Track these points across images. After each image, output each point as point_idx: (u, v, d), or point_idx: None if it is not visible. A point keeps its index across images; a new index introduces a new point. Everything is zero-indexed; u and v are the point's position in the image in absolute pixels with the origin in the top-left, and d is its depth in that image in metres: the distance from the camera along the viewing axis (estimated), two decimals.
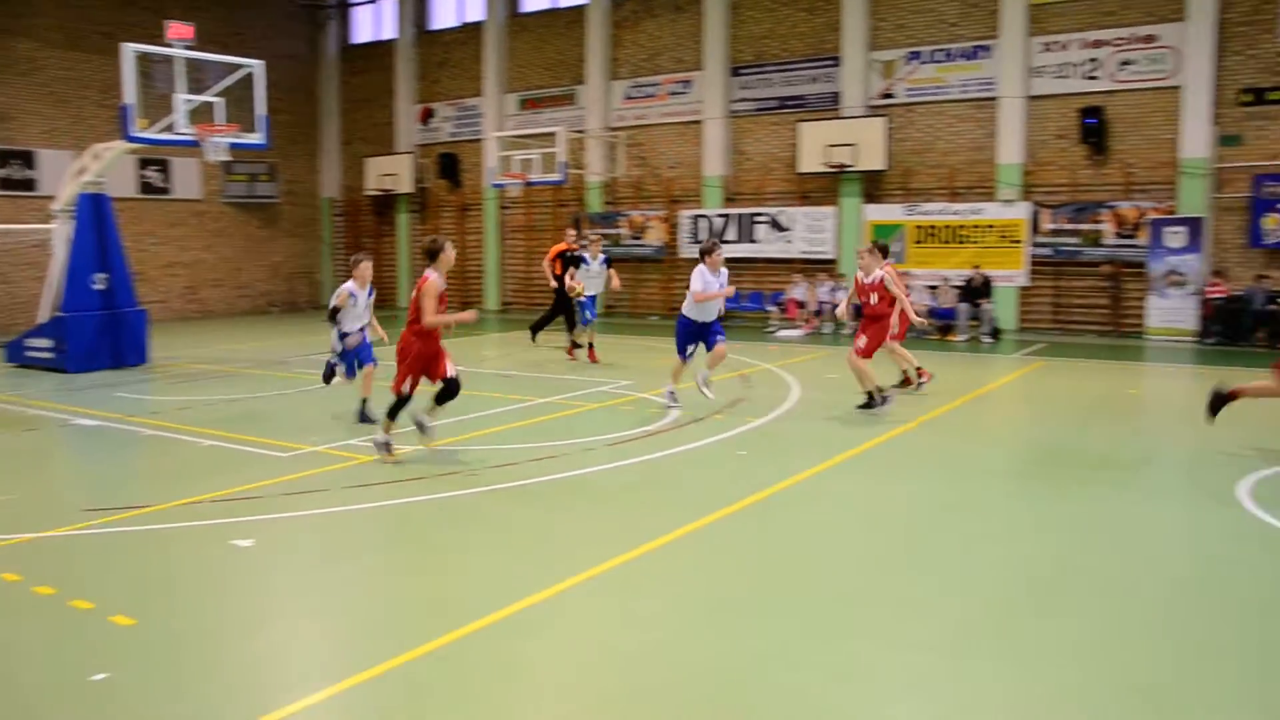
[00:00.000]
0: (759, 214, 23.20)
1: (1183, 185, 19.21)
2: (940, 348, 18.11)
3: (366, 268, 9.98)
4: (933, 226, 21.29)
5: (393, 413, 8.27)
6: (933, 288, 20.57)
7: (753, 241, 23.15)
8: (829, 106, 22.53)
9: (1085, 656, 4.48)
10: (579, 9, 25.87)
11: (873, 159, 21.48)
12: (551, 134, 23.26)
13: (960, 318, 19.77)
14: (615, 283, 15.68)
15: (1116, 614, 5.01)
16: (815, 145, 21.96)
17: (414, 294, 8.08)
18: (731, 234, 23.25)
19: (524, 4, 27.24)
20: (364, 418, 9.91)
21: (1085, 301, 20.30)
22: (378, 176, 28.97)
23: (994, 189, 20.78)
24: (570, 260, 16.02)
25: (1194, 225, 18.87)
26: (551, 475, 7.97)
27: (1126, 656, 4.50)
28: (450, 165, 27.95)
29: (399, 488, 7.58)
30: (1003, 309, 20.27)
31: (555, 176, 23.19)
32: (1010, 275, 20.55)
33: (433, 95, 28.86)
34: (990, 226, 20.72)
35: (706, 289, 10.28)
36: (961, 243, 20.98)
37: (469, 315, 8.84)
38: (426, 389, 8.51)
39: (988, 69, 20.87)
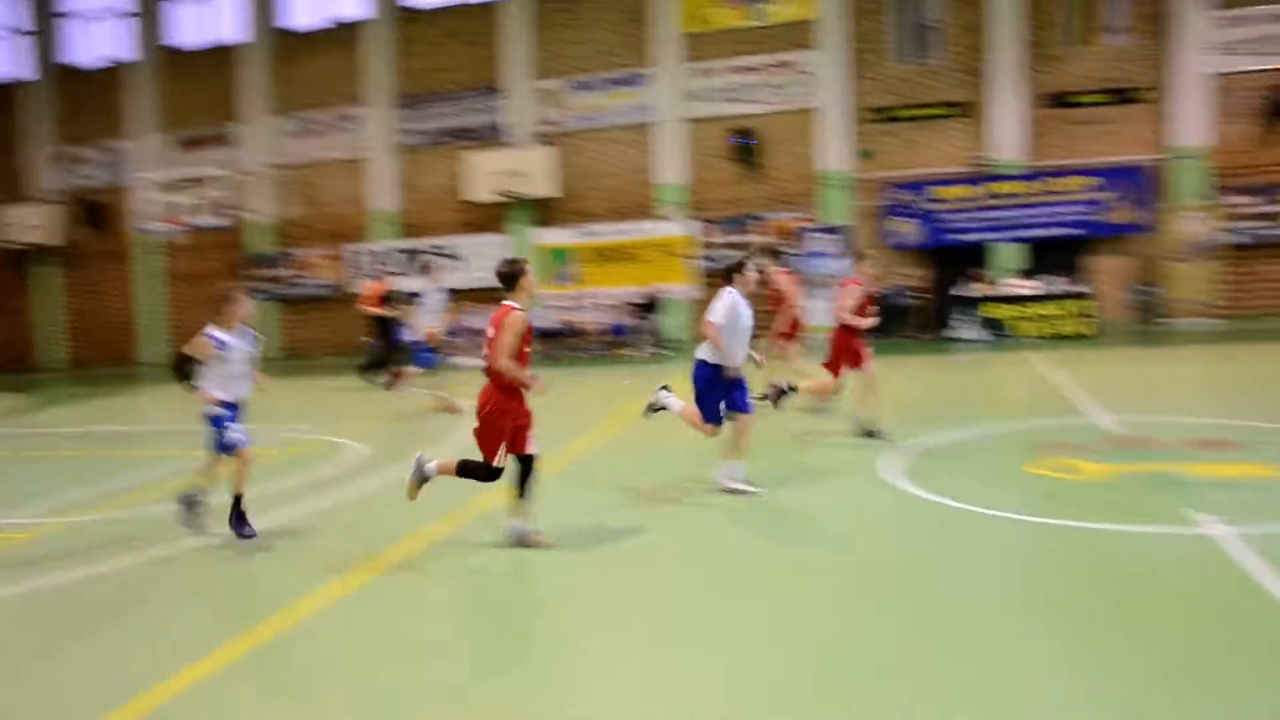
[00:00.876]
0: (428, 247, 22.85)
1: (825, 196, 20.67)
2: (612, 363, 18.33)
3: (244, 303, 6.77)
4: (603, 248, 21.73)
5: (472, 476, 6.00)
6: (609, 306, 20.87)
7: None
8: (496, 136, 22.75)
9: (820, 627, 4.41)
10: (230, 48, 24.93)
11: (542, 185, 21.80)
12: (209, 176, 22.04)
13: (633, 333, 20.11)
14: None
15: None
16: (484, 175, 22.04)
17: (492, 332, 5.82)
18: (404, 268, 22.73)
19: (177, 40, 25.93)
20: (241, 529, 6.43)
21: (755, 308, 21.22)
22: (5, 227, 26.30)
23: (657, 208, 21.56)
24: (389, 299, 14.79)
25: (837, 231, 20.28)
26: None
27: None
28: (96, 213, 25.87)
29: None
30: (674, 322, 20.81)
31: (217, 219, 21.92)
32: (680, 289, 21.20)
33: (75, 138, 26.76)
34: (657, 244, 21.38)
35: (733, 320, 7.07)
36: (632, 262, 21.50)
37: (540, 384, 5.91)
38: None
39: (645, 95, 21.81)
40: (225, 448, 6.47)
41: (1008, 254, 19.98)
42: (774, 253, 12.06)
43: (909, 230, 20.19)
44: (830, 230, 20.42)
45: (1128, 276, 19.44)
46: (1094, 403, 10.29)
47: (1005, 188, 19.87)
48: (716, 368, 7.05)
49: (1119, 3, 19.51)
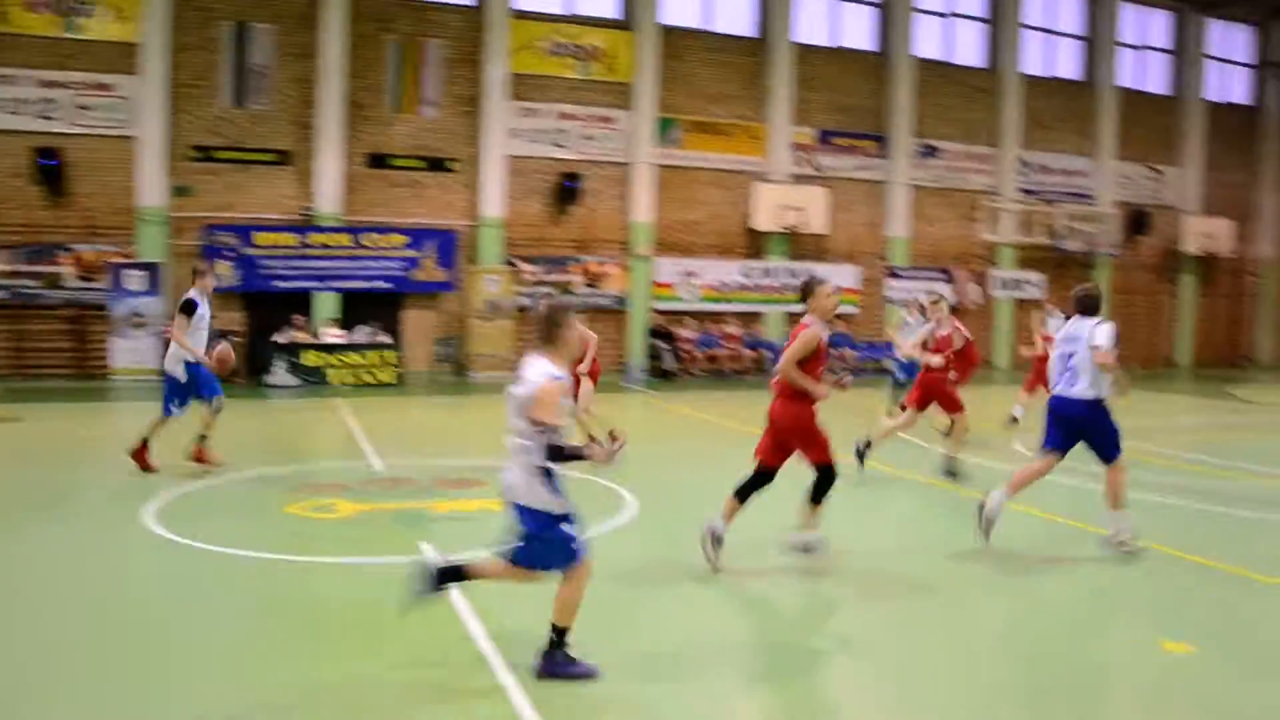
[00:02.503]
0: None
1: (142, 231, 20.51)
2: None
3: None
4: None
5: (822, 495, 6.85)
6: None
7: None
8: None
9: None
10: None
11: None
12: None
13: None
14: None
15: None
16: None
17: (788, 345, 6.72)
18: None
19: None
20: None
21: (49, 344, 20.32)
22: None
23: None
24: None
25: (153, 270, 20.17)
26: None
27: None
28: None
29: None
30: None
31: None
32: None
33: None
34: None
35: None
36: None
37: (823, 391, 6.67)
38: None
39: None
40: None
41: (326, 303, 21.26)
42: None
43: (227, 273, 20.66)
44: (144, 267, 20.25)
45: (434, 331, 21.67)
46: (373, 447, 11.56)
47: (326, 239, 21.19)
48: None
49: (437, 80, 21.87)
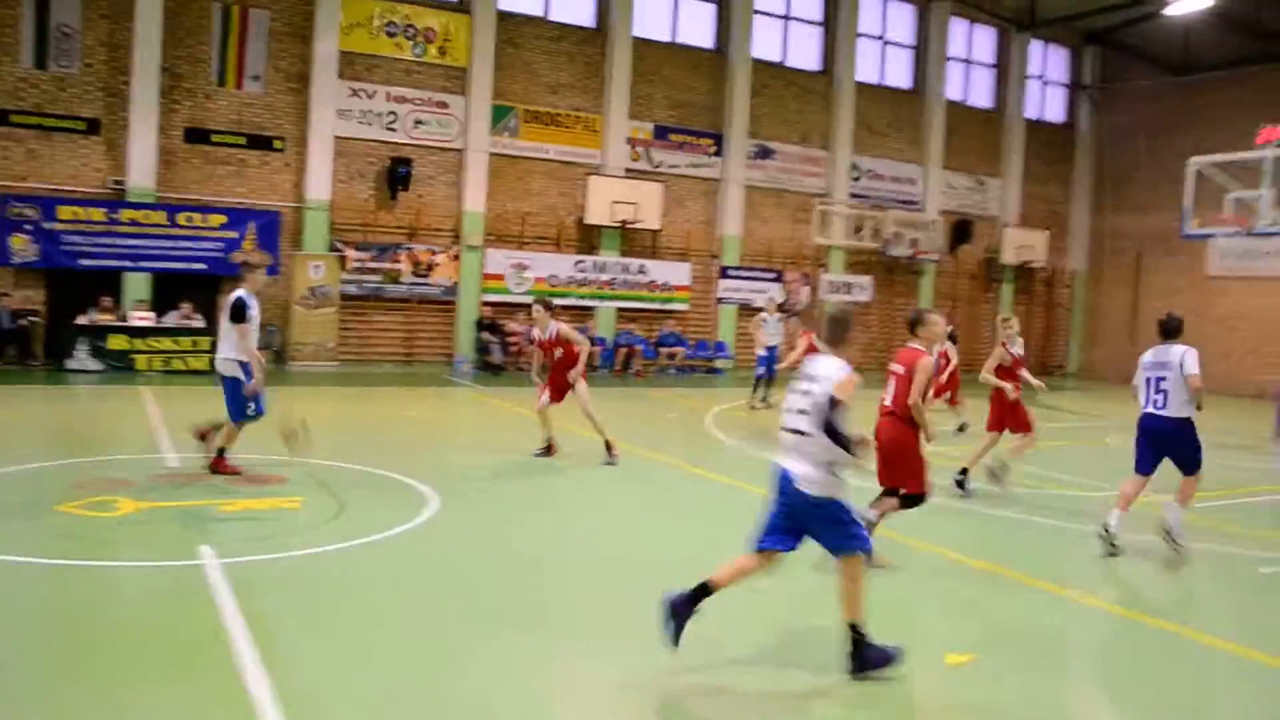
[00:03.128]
0: None
1: None
2: None
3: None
4: None
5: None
6: None
7: None
8: None
9: None
10: None
11: None
12: None
13: None
14: None
15: None
16: None
17: (903, 373, 7.36)
18: None
19: None
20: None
21: None
22: None
23: None
24: None
25: None
26: None
27: None
28: None
29: None
30: None
31: None
32: None
33: None
34: None
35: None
36: None
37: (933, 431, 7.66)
38: None
39: None
40: None
41: (137, 284, 20.43)
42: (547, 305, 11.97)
43: (24, 247, 19.63)
44: None
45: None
46: (171, 439, 11.10)
47: (138, 216, 20.34)
48: None
49: (263, 53, 21.24)
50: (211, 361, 10.70)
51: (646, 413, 17.52)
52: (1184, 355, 8.09)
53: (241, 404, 9.37)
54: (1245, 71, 28.66)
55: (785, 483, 5.22)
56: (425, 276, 22.81)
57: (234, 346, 9.35)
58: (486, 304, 23.27)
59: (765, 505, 5.37)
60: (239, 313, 9.26)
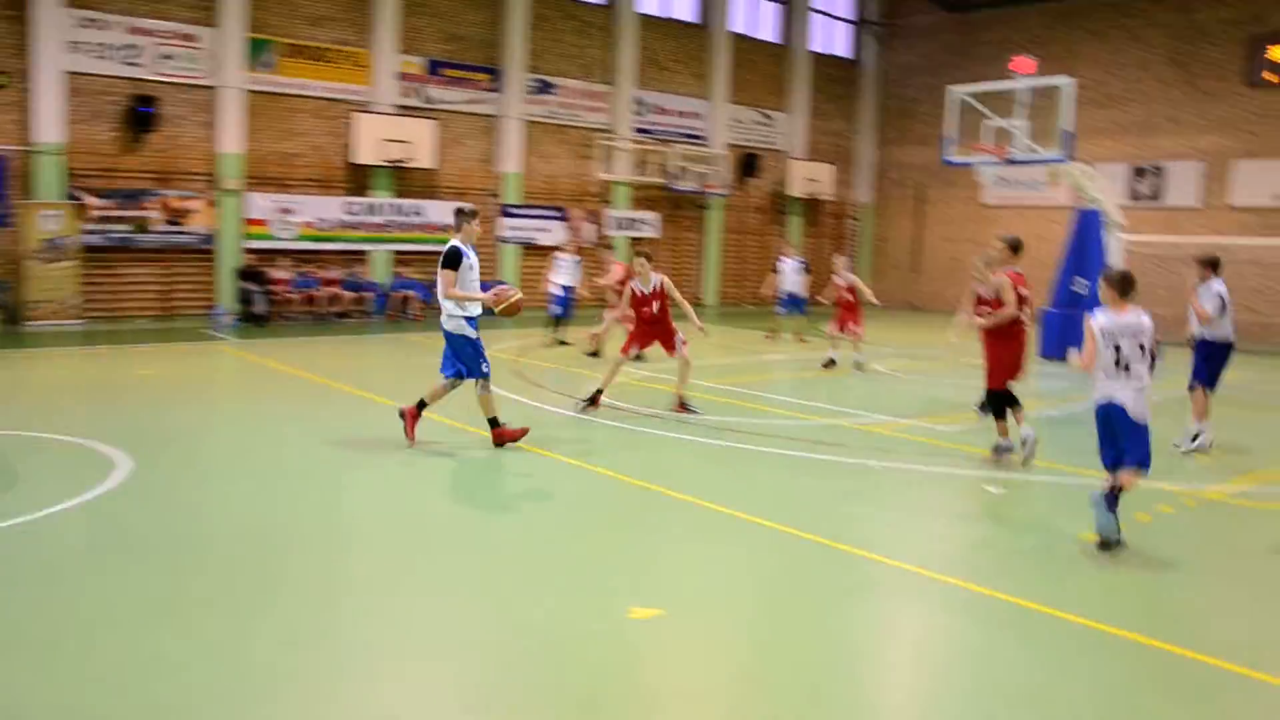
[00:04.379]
0: None
1: None
2: None
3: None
4: None
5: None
6: None
7: None
8: None
9: None
10: None
11: None
12: None
13: None
14: None
15: None
16: None
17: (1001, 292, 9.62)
18: None
19: None
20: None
21: None
22: None
23: None
24: None
25: None
26: None
27: None
28: None
29: None
30: None
31: None
32: None
33: None
34: None
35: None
36: None
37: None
38: None
39: None
40: None
41: None
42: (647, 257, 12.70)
43: None
44: None
45: None
46: None
47: None
48: None
49: None
50: None
51: (405, 360, 17.23)
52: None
53: (476, 361, 9.62)
54: (1015, 10, 30.12)
55: (1122, 406, 7.17)
56: (180, 224, 21.67)
57: (453, 305, 9.64)
58: (250, 251, 22.31)
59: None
60: (454, 259, 9.44)
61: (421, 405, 9.93)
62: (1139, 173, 28.78)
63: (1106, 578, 6.78)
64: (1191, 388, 10.97)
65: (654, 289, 11.82)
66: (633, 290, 12.10)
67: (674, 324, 11.97)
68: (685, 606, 6.00)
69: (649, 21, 28.81)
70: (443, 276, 9.42)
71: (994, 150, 20.72)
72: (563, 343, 18.64)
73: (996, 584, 6.51)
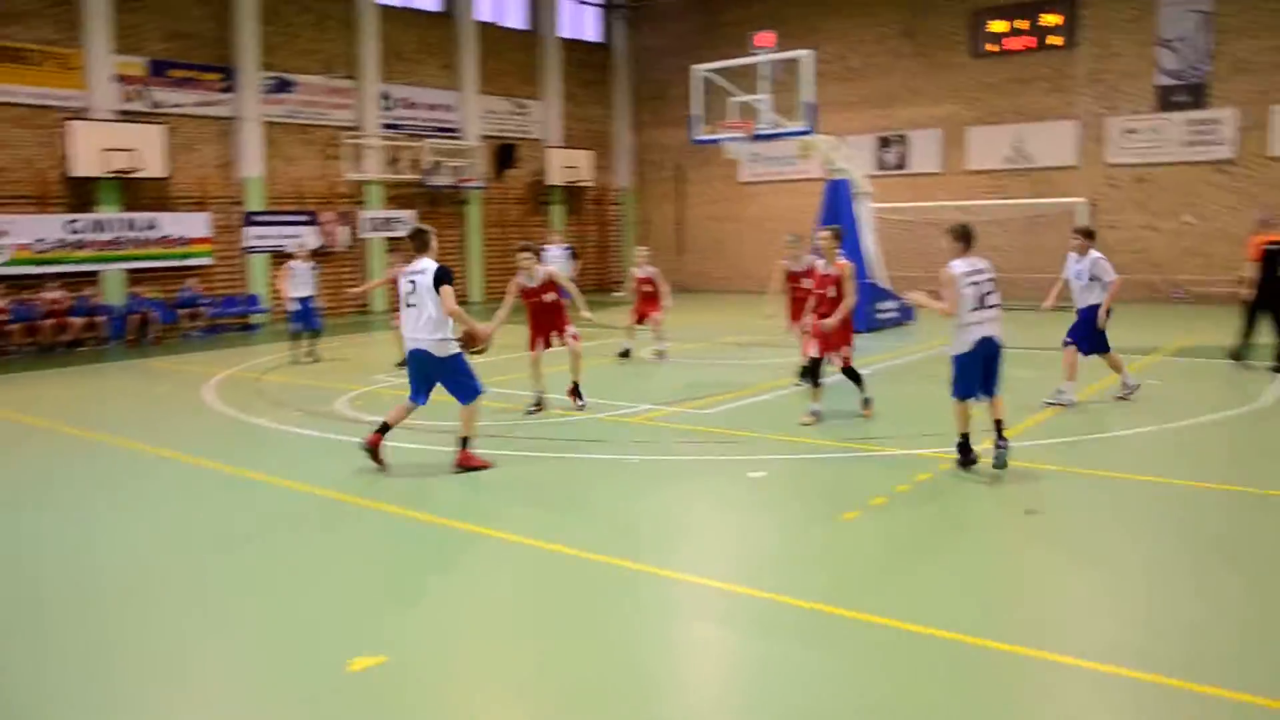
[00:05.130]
0: None
1: None
2: None
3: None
4: None
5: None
6: None
7: None
8: None
9: None
10: None
11: None
12: None
13: None
14: None
15: None
16: None
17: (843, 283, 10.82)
18: None
19: None
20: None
21: None
22: None
23: None
24: None
25: None
26: None
27: None
28: None
29: None
30: None
31: None
32: None
33: None
34: None
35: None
36: None
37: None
38: None
39: None
40: None
41: None
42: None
43: None
44: None
45: None
46: None
47: None
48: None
49: None
50: None
51: (133, 388, 16.09)
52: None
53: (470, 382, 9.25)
54: None
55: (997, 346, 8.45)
56: None
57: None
58: None
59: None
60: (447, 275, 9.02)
61: (385, 428, 9.18)
62: (885, 142, 30.18)
63: (864, 562, 6.91)
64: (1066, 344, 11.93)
65: (541, 281, 12.10)
66: (521, 285, 12.12)
67: (568, 315, 12.38)
68: (412, 649, 5.54)
69: (389, 12, 27.99)
70: (445, 293, 8.77)
71: (740, 125, 21.18)
72: (314, 359, 17.54)
73: (757, 582, 6.47)
